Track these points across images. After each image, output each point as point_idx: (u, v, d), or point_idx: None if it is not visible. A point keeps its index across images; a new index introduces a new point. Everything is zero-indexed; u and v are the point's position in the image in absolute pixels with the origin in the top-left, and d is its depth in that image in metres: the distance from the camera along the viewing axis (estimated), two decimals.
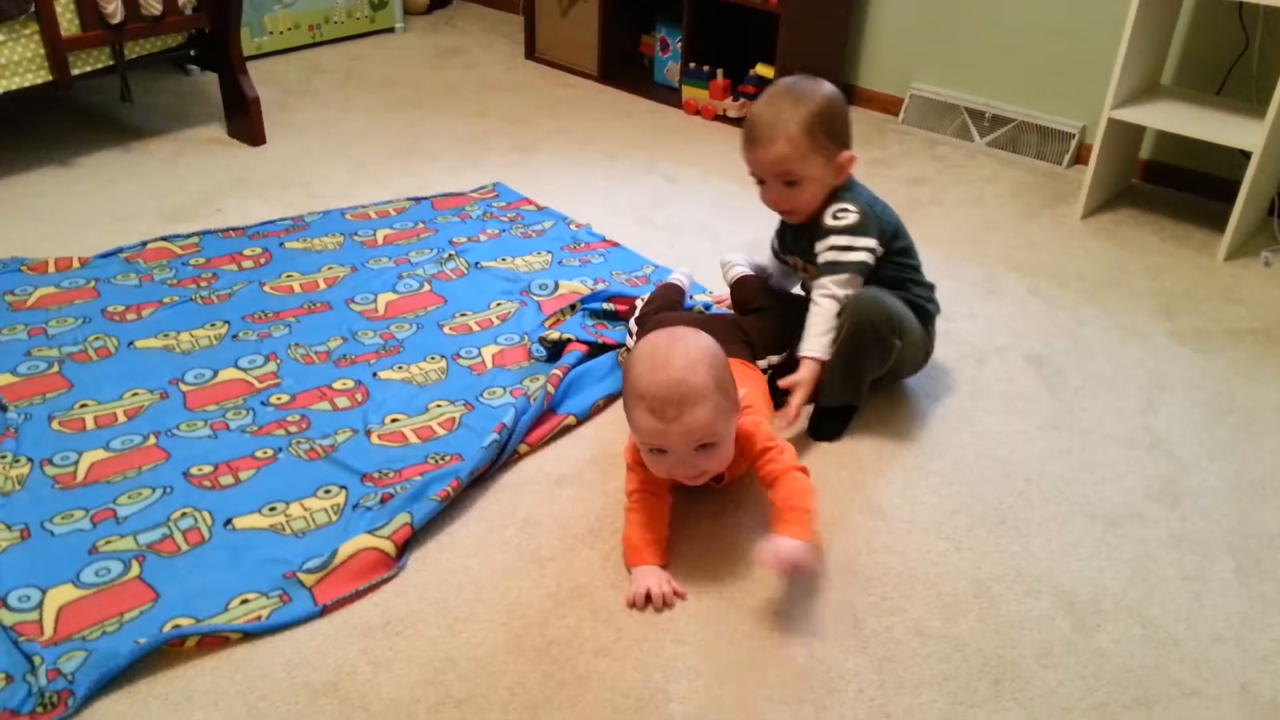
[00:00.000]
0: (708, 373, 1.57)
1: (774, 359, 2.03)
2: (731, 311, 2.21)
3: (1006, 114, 3.37)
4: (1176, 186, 3.12)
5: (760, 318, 2.09)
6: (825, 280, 1.92)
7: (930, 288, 2.08)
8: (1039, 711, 1.46)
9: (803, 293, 2.14)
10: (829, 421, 2.00)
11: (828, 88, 1.93)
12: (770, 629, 1.57)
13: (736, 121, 3.52)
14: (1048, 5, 3.19)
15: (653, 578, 1.61)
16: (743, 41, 3.60)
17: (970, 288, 2.55)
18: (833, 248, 1.92)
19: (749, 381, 1.85)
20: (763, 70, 3.46)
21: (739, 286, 2.22)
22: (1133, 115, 2.79)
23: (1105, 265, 2.68)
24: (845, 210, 1.93)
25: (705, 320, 2.10)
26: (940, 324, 2.36)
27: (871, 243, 1.92)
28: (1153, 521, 1.82)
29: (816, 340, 1.90)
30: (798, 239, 2.05)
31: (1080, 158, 3.26)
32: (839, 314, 1.90)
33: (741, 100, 3.51)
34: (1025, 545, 1.76)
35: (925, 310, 2.04)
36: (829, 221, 1.93)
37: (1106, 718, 1.45)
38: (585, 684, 1.47)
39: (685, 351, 1.59)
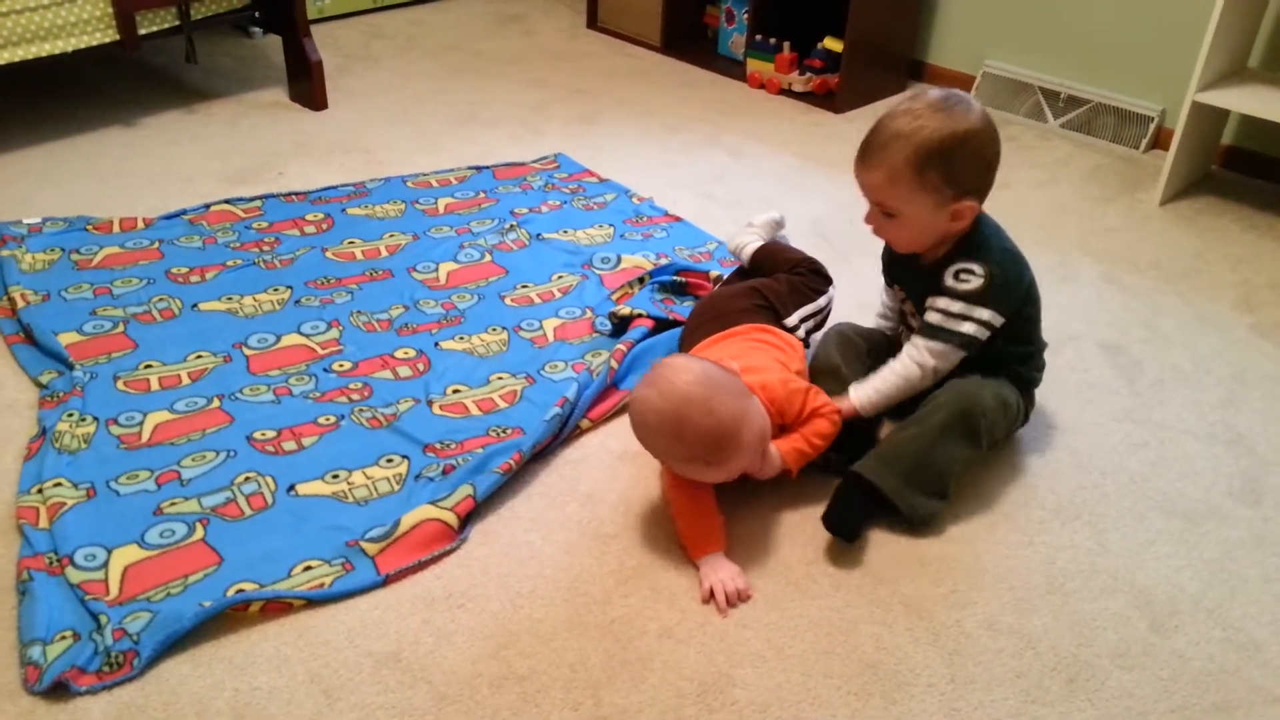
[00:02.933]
0: (721, 418, 1.52)
1: (807, 310, 1.94)
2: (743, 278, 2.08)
3: (1082, 95, 3.27)
4: (1259, 175, 3.01)
5: (774, 278, 2.00)
6: (921, 342, 1.71)
7: (1040, 353, 1.86)
8: (1114, 713, 1.41)
9: (895, 328, 1.96)
10: (851, 509, 1.65)
11: (973, 120, 1.60)
12: (837, 617, 1.54)
13: (802, 96, 3.45)
14: None
15: (721, 573, 1.57)
16: (810, 14, 3.52)
17: (1043, 274, 2.43)
18: (944, 312, 1.69)
19: (772, 350, 1.81)
20: (830, 44, 3.38)
21: (757, 259, 2.09)
22: (1218, 99, 2.69)
23: (1184, 254, 2.60)
24: (969, 273, 1.66)
25: (725, 296, 2.00)
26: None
27: (989, 315, 1.67)
28: (1233, 520, 1.76)
29: (872, 389, 1.73)
30: (904, 271, 1.82)
31: (1159, 142, 3.16)
32: (923, 385, 1.71)
33: (808, 75, 3.43)
34: (1101, 541, 1.70)
35: (1030, 380, 1.84)
36: (949, 281, 1.68)
37: None
38: (648, 665, 1.45)
39: (691, 417, 1.52)
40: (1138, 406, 2.03)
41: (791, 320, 1.92)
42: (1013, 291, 1.70)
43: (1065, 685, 1.45)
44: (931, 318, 1.71)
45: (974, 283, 1.67)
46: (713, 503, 1.65)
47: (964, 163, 1.61)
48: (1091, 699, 1.43)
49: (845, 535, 1.63)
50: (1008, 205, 2.79)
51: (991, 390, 1.71)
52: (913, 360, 1.72)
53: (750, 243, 2.11)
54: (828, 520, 1.63)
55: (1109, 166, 3.07)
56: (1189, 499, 1.80)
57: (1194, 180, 2.97)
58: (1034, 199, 2.85)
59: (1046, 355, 1.88)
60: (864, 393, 1.75)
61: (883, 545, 1.66)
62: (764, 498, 1.73)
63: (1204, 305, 2.37)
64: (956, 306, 1.68)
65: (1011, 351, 1.77)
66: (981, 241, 1.69)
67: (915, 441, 1.67)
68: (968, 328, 1.68)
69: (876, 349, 1.89)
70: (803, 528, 1.69)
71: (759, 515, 1.71)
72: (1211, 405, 2.04)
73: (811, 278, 1.99)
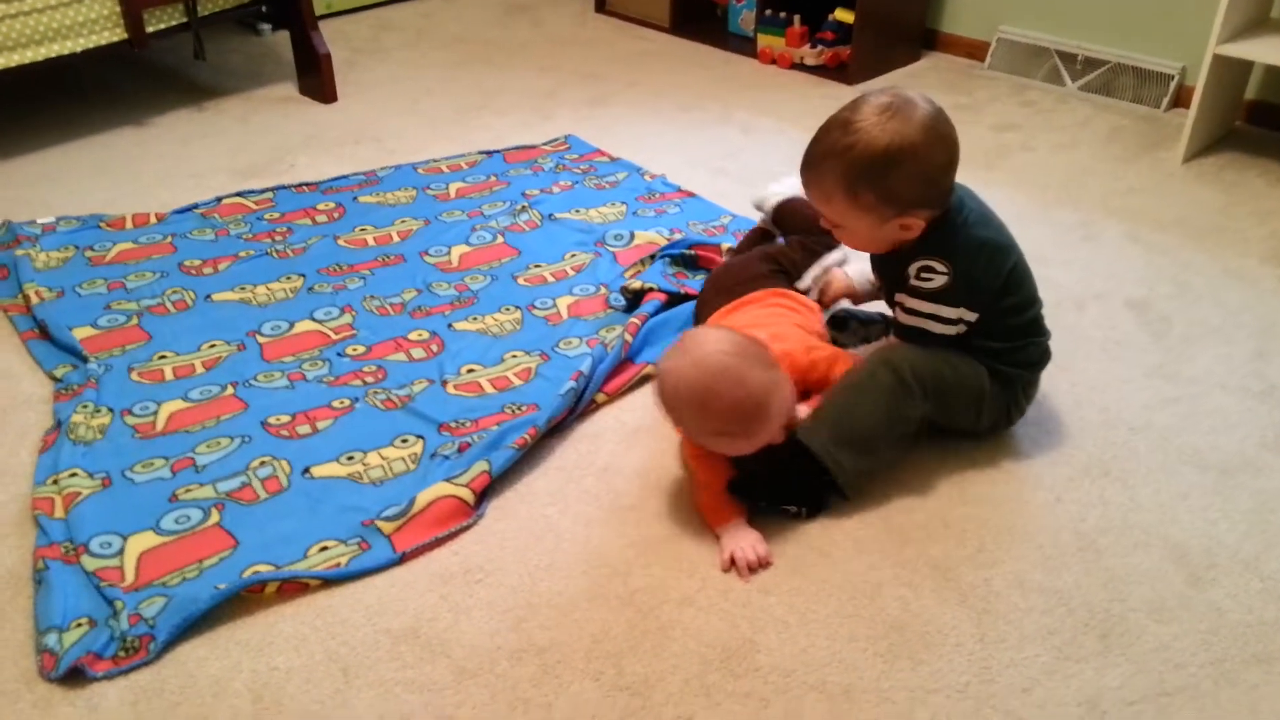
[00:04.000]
0: (751, 390, 1.48)
1: (816, 270, 1.91)
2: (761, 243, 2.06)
3: (1100, 56, 3.21)
4: None
5: (788, 242, 1.98)
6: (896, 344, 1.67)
7: (1026, 347, 1.69)
8: (1152, 666, 1.37)
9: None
10: (760, 482, 1.59)
11: (911, 131, 1.47)
12: (861, 580, 1.50)
13: (814, 70, 3.41)
14: None
15: (742, 540, 1.54)
16: None
17: (1066, 233, 2.43)
18: (912, 311, 1.60)
19: (791, 315, 1.79)
20: (842, 15, 3.34)
21: (781, 212, 2.05)
22: (1240, 50, 2.62)
23: (1209, 210, 2.54)
24: (931, 270, 1.56)
25: (739, 265, 1.98)
26: (1036, 269, 2.26)
27: (956, 313, 1.58)
28: (1269, 471, 1.71)
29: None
30: (877, 262, 1.74)
31: (1180, 101, 3.09)
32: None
33: (819, 47, 3.39)
34: (1131, 496, 1.66)
35: (1010, 376, 1.68)
36: (913, 279, 1.58)
37: (1225, 674, 1.36)
38: (670, 633, 1.42)
39: (723, 389, 1.48)
40: (1167, 362, 1.98)
41: (804, 283, 1.89)
42: (983, 286, 1.58)
43: (1099, 641, 1.41)
44: (901, 318, 1.64)
45: (936, 281, 1.56)
46: (730, 469, 1.62)
47: (900, 181, 1.49)
48: (1126, 653, 1.39)
49: (749, 498, 1.59)
50: (1029, 167, 2.75)
51: (927, 353, 1.61)
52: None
53: (774, 195, 2.07)
54: (735, 485, 1.58)
55: (1129, 127, 3.01)
56: (1222, 452, 1.75)
57: (1217, 137, 2.91)
58: (1055, 161, 2.80)
59: (1069, 312, 1.83)
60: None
61: (906, 508, 1.63)
62: None
63: (1231, 260, 2.32)
64: (924, 306, 1.59)
65: (984, 346, 1.64)
66: (950, 234, 1.56)
67: (838, 396, 1.60)
68: (937, 328, 1.60)
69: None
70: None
71: None
72: (1242, 358, 1.99)
73: (824, 237, 1.96)
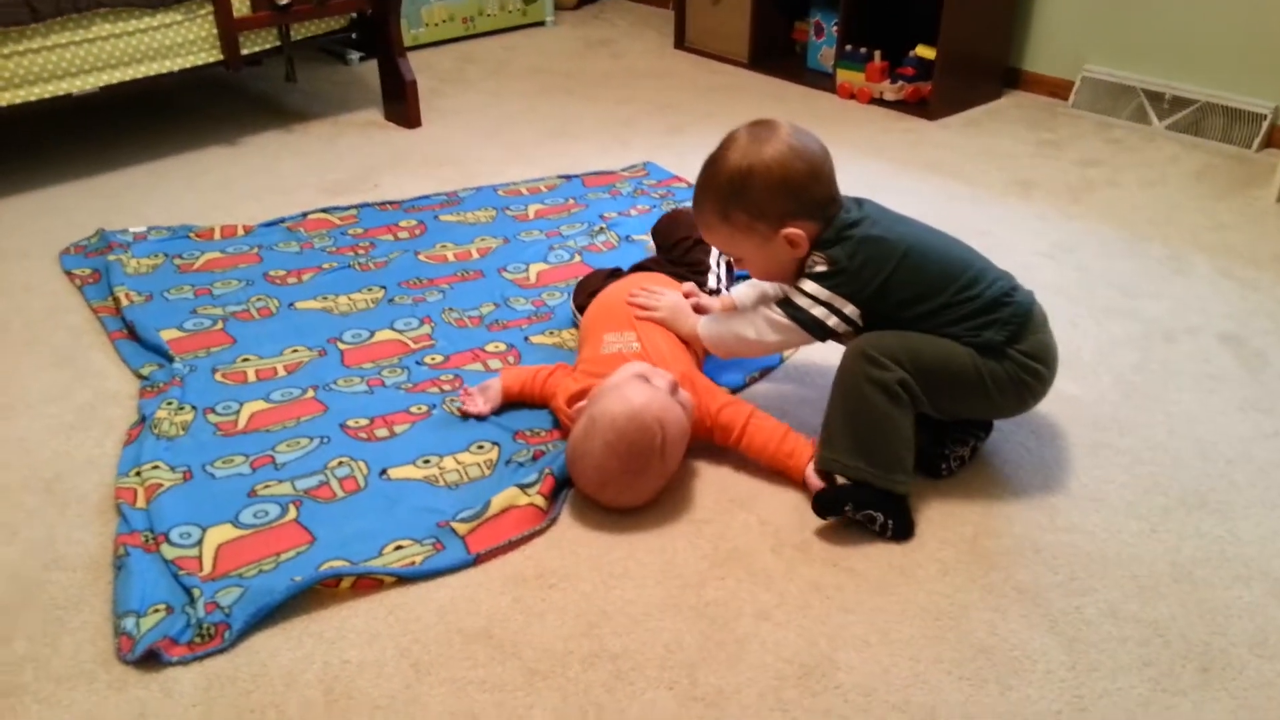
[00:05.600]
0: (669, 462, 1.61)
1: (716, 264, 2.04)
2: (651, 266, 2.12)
3: (1188, 95, 3.15)
4: None
5: (683, 249, 2.07)
6: (766, 308, 1.67)
7: (988, 320, 1.58)
8: (1256, 702, 1.30)
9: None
10: (830, 498, 1.58)
11: (765, 150, 1.54)
12: (946, 602, 1.45)
13: (894, 105, 3.40)
14: None
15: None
16: (901, 22, 3.47)
17: (1156, 266, 2.37)
18: (794, 288, 1.62)
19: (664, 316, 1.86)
20: (923, 51, 3.32)
21: (666, 223, 2.18)
22: None
23: None
24: (816, 260, 1.59)
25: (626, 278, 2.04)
26: (1123, 302, 2.22)
27: (826, 294, 1.58)
28: None
29: (713, 320, 1.77)
30: None
31: (1272, 141, 3.02)
32: (754, 348, 1.71)
33: (900, 83, 3.38)
34: (1230, 529, 1.59)
35: (981, 343, 1.58)
36: (804, 271, 1.62)
37: None
38: (745, 646, 1.38)
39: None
40: (1264, 396, 1.90)
41: (711, 283, 1.99)
42: (865, 274, 1.57)
43: (1199, 674, 1.34)
44: (796, 298, 1.63)
45: (819, 268, 1.59)
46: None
47: (763, 194, 1.55)
48: (1228, 688, 1.32)
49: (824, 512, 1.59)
50: (1115, 201, 2.70)
51: (896, 333, 1.58)
52: (753, 316, 1.69)
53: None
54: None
55: (1219, 166, 2.94)
56: None
57: None
58: (1143, 196, 2.74)
59: (1159, 344, 1.76)
60: (705, 322, 1.78)
61: (993, 532, 1.58)
62: None
63: None
64: (805, 285, 1.61)
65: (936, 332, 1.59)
66: (838, 232, 1.58)
67: (832, 408, 1.59)
68: (804, 302, 1.60)
69: None
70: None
71: None
72: None
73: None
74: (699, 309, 1.84)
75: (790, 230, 1.58)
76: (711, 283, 2.01)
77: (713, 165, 1.61)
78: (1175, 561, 1.53)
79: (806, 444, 1.66)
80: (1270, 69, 2.98)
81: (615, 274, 2.10)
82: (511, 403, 1.85)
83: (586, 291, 2.06)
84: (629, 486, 1.59)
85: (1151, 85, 3.22)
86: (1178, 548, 1.56)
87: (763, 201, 1.56)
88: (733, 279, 2.08)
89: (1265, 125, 3.01)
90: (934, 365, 1.56)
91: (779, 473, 1.68)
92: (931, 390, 1.56)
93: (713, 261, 2.05)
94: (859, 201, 1.65)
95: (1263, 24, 2.95)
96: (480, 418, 1.81)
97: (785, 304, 1.64)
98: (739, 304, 1.83)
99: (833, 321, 1.60)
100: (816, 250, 1.59)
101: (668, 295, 1.86)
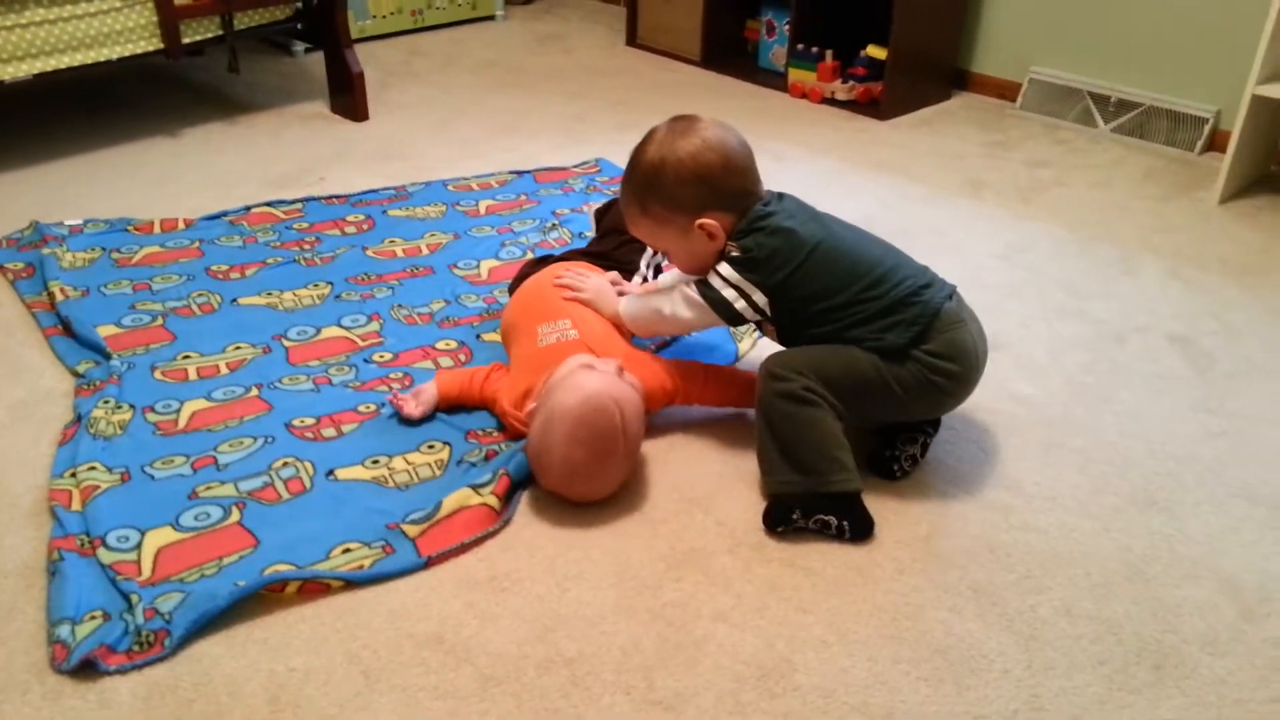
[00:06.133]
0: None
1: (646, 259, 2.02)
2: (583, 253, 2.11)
3: (1133, 98, 3.19)
4: None
5: (616, 243, 2.04)
6: (683, 286, 1.69)
7: (892, 322, 1.58)
8: (1208, 700, 1.31)
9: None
10: (775, 508, 1.58)
11: (685, 140, 1.60)
12: (902, 602, 1.45)
13: (845, 104, 3.40)
14: None
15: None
16: (852, 22, 3.48)
17: (1105, 268, 2.39)
18: (725, 281, 1.63)
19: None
20: (874, 51, 3.33)
21: (608, 208, 2.15)
22: (1279, 92, 2.60)
23: (1249, 249, 2.50)
24: (733, 247, 1.62)
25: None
26: (1074, 302, 2.23)
27: (737, 277, 1.61)
28: None
29: (634, 305, 1.77)
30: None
31: (1214, 144, 3.07)
32: (666, 326, 1.73)
33: (851, 83, 3.39)
34: (1180, 528, 1.60)
35: (884, 348, 1.58)
36: (722, 258, 1.65)
37: None
38: (703, 649, 1.37)
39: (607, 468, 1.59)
40: (1211, 396, 1.93)
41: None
42: (774, 263, 1.59)
43: (1152, 672, 1.35)
44: (710, 279, 1.66)
45: (734, 253, 1.62)
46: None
47: (676, 185, 1.60)
48: (1181, 686, 1.33)
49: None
50: (1064, 202, 2.73)
51: (800, 350, 1.63)
52: (671, 294, 1.70)
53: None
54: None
55: (1164, 168, 2.98)
56: (1272, 486, 1.70)
57: (1253, 180, 2.88)
58: (1090, 198, 2.77)
59: (1109, 344, 1.78)
60: (626, 301, 1.78)
61: (949, 532, 1.58)
62: None
63: (1274, 299, 2.27)
64: (719, 267, 1.64)
65: (840, 336, 1.61)
66: (751, 223, 1.62)
67: (761, 435, 1.62)
68: (717, 283, 1.63)
69: None
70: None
71: None
72: None
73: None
74: (615, 284, 1.87)
75: (704, 221, 1.61)
76: (637, 281, 1.99)
77: (632, 160, 1.66)
78: (1127, 560, 1.54)
79: None
80: (1212, 74, 3.03)
81: (543, 262, 2.07)
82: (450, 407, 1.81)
83: (517, 281, 2.05)
84: (598, 473, 1.57)
85: (1097, 88, 3.26)
86: (1129, 546, 1.57)
87: (676, 193, 1.61)
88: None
89: (1208, 129, 3.06)
90: (836, 373, 1.58)
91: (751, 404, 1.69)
92: (839, 397, 1.58)
93: (643, 264, 2.03)
94: (780, 195, 1.68)
95: (1205, 30, 3.00)
96: (412, 422, 1.77)
97: (700, 283, 1.66)
98: (659, 286, 1.85)
99: (740, 305, 1.63)
100: (731, 240, 1.63)
101: (592, 278, 1.85)
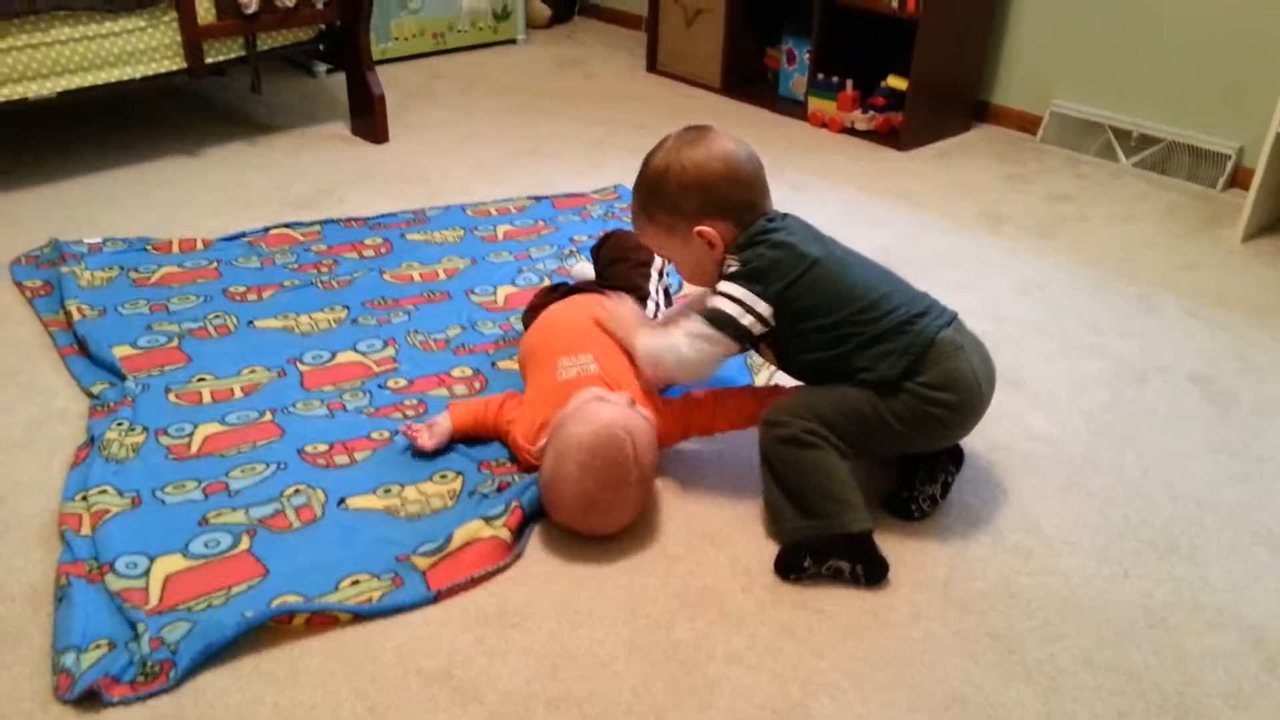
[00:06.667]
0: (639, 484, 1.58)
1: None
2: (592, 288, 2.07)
3: (1156, 133, 3.17)
4: None
5: (621, 273, 2.03)
6: (693, 319, 1.66)
7: (863, 347, 1.57)
8: None
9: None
10: (786, 555, 1.56)
11: (691, 149, 1.61)
12: (919, 649, 1.42)
13: (864, 134, 3.39)
14: (1202, 18, 2.99)
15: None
16: (874, 52, 3.47)
17: (1125, 305, 2.37)
18: (722, 294, 1.62)
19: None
20: (894, 82, 3.33)
21: (604, 245, 2.13)
22: None
23: (1273, 288, 2.47)
24: (731, 263, 1.63)
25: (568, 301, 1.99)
26: (1095, 339, 2.21)
27: (741, 292, 1.59)
28: None
29: (648, 342, 1.70)
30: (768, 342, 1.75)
31: (1236, 181, 3.04)
32: (682, 368, 1.67)
33: (871, 113, 3.38)
34: (1202, 575, 1.58)
35: (878, 382, 1.56)
36: (722, 274, 1.65)
37: None
38: (716, 691, 1.34)
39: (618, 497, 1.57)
40: (1234, 438, 1.90)
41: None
42: (773, 274, 1.59)
43: None
44: (711, 301, 1.65)
45: (732, 268, 1.63)
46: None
47: (677, 191, 1.62)
48: None
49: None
50: (1084, 237, 2.71)
51: (795, 395, 1.64)
52: (675, 334, 1.66)
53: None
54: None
55: (1186, 204, 2.96)
56: None
57: (1276, 218, 2.85)
58: (1111, 233, 2.75)
59: (1130, 384, 1.76)
60: (644, 341, 1.72)
61: (967, 576, 1.55)
62: None
63: None
64: (720, 285, 1.63)
65: (835, 369, 1.60)
66: (751, 237, 1.62)
67: (765, 482, 1.61)
68: (719, 301, 1.62)
69: None
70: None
71: None
72: None
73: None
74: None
75: (703, 228, 1.62)
76: (650, 309, 1.99)
77: (642, 167, 1.69)
78: (1148, 607, 1.51)
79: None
80: (1235, 110, 3.01)
81: (557, 290, 2.07)
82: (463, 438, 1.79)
83: (530, 309, 2.04)
84: (611, 505, 1.55)
85: (1119, 122, 3.24)
86: (1150, 593, 1.54)
87: (677, 198, 1.62)
88: (670, 302, 2.09)
89: (1230, 165, 3.04)
90: (832, 412, 1.57)
91: None
92: (840, 436, 1.57)
93: (652, 288, 2.03)
94: (784, 215, 1.68)
95: (1228, 66, 2.98)
96: (425, 454, 1.75)
97: (705, 311, 1.64)
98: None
99: (748, 321, 1.60)
100: (730, 254, 1.64)
101: (629, 308, 1.84)
